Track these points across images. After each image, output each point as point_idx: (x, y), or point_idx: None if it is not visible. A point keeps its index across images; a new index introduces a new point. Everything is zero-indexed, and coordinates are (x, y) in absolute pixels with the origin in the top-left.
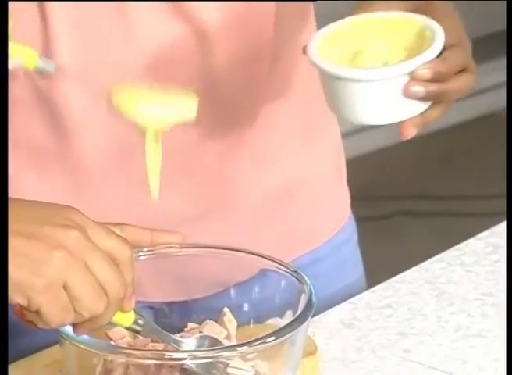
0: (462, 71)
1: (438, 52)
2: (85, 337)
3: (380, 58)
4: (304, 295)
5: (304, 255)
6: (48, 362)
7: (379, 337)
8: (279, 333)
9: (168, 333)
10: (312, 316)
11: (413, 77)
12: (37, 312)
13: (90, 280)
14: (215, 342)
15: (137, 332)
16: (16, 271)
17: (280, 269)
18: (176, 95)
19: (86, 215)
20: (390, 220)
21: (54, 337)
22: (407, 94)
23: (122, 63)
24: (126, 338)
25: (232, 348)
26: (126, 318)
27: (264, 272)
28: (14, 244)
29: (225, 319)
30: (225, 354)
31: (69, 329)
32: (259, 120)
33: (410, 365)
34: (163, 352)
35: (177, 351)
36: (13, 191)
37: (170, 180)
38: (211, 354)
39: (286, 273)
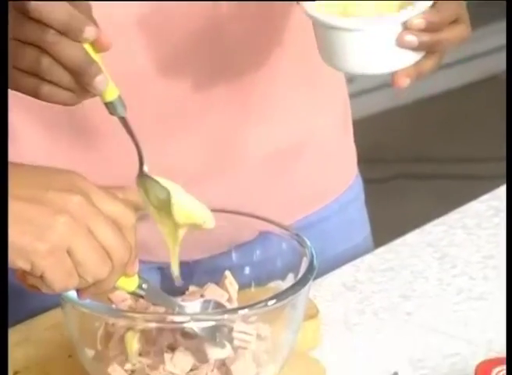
0: (455, 21)
1: (431, 3)
2: (86, 300)
3: (372, 10)
4: (305, 258)
5: (312, 214)
6: (48, 325)
7: (381, 300)
8: (280, 296)
9: (172, 298)
10: (314, 279)
11: (406, 27)
12: (41, 277)
13: (94, 245)
14: (218, 306)
15: (141, 296)
16: (18, 236)
17: (281, 232)
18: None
19: (89, 179)
20: (392, 183)
21: (54, 301)
22: (401, 43)
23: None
24: (127, 301)
25: (234, 311)
26: (130, 282)
27: (265, 235)
28: (16, 208)
29: (227, 282)
30: (227, 317)
31: (70, 292)
32: (263, 76)
33: (411, 327)
34: (164, 315)
35: (178, 314)
36: (18, 148)
37: (176, 139)
38: (211, 317)
39: (288, 236)
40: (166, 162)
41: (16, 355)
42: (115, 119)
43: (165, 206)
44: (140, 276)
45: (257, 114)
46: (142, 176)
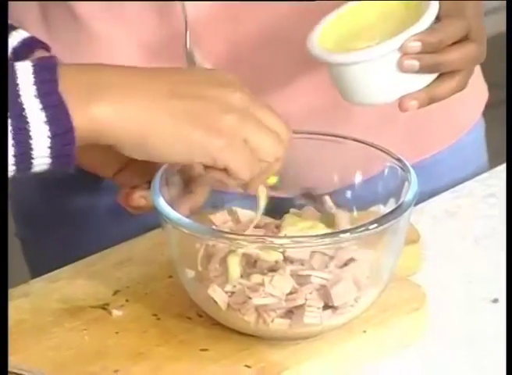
0: (464, 40)
1: (428, 24)
2: (187, 220)
3: (376, 38)
4: (407, 183)
5: (425, 159)
6: (150, 245)
7: (482, 227)
8: (381, 220)
9: None
10: (416, 205)
11: (403, 52)
12: (225, 170)
13: (265, 130)
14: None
15: None
16: (193, 132)
17: (384, 157)
18: None
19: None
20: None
21: (155, 222)
22: (402, 68)
23: None
24: (228, 223)
25: (335, 234)
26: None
27: (367, 159)
28: (182, 106)
29: (326, 207)
30: (327, 240)
31: (171, 212)
32: None
33: None
34: (265, 237)
35: (279, 236)
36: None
37: (288, 88)
38: (312, 240)
39: (390, 161)
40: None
41: (117, 275)
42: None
43: None
44: None
45: None
46: None
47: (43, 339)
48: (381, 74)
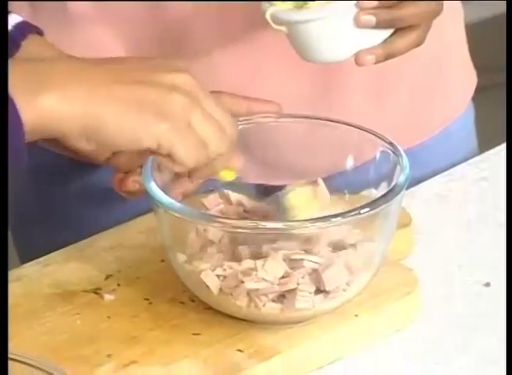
0: None
1: None
2: (178, 204)
3: None
4: (398, 167)
5: (415, 145)
6: (142, 229)
7: (474, 210)
8: (373, 204)
9: None
10: (407, 188)
11: (360, 7)
12: (169, 156)
13: (210, 119)
14: None
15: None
16: (139, 116)
17: (375, 141)
18: None
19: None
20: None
21: (148, 207)
22: (359, 24)
23: None
24: (220, 206)
25: (327, 218)
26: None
27: (359, 143)
28: (129, 92)
29: (319, 189)
30: (319, 224)
31: (163, 196)
32: None
33: (504, 238)
34: (257, 222)
35: (271, 221)
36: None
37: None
38: (305, 224)
39: (381, 145)
40: (275, 87)
41: (109, 259)
42: None
43: None
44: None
45: None
46: None
47: (35, 324)
48: (338, 31)
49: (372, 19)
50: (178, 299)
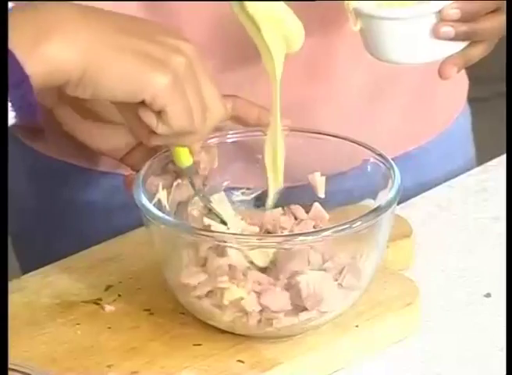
0: (495, 11)
1: None
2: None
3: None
4: (390, 181)
5: (413, 149)
6: (142, 240)
7: (475, 221)
8: (362, 218)
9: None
10: (406, 198)
11: (441, 18)
12: (160, 114)
13: (201, 93)
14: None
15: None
16: (138, 67)
17: (367, 153)
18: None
19: None
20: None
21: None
22: (437, 34)
23: None
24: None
25: (317, 233)
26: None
27: (349, 154)
28: (131, 42)
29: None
30: (309, 238)
31: (154, 209)
32: None
33: (505, 249)
34: (248, 236)
35: (263, 235)
36: None
37: None
38: (294, 239)
39: (372, 157)
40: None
41: (109, 270)
42: None
43: None
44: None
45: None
46: None
47: (36, 334)
48: (414, 35)
49: (451, 31)
50: (178, 310)
